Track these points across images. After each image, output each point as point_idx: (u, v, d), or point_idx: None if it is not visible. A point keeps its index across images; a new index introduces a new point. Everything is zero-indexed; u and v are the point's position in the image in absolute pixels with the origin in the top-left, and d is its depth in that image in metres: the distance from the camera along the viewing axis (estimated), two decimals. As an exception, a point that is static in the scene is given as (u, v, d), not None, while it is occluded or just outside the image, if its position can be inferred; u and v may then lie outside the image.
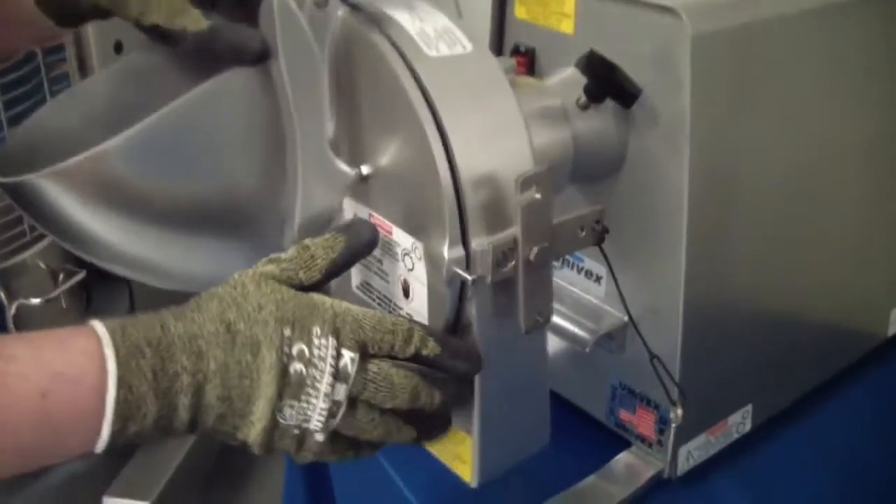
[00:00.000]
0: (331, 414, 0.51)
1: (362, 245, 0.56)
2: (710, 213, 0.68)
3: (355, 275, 0.65)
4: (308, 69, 0.57)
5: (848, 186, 0.78)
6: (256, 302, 0.51)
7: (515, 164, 0.56)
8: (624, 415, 0.78)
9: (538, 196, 0.54)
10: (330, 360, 0.51)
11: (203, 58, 0.56)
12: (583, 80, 0.65)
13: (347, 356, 0.51)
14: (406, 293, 0.60)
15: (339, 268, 0.55)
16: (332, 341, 0.51)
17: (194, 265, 0.60)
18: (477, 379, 0.58)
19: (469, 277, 0.54)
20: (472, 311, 0.56)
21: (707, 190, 0.67)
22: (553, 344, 0.74)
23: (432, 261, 0.56)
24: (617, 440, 0.78)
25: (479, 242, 0.54)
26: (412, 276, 0.59)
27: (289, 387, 0.50)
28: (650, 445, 0.76)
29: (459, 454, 0.63)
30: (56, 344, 0.48)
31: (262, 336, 0.50)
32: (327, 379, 0.51)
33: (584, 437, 0.80)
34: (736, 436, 0.79)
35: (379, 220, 0.60)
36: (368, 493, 0.82)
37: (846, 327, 0.86)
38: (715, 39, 0.64)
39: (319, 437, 0.52)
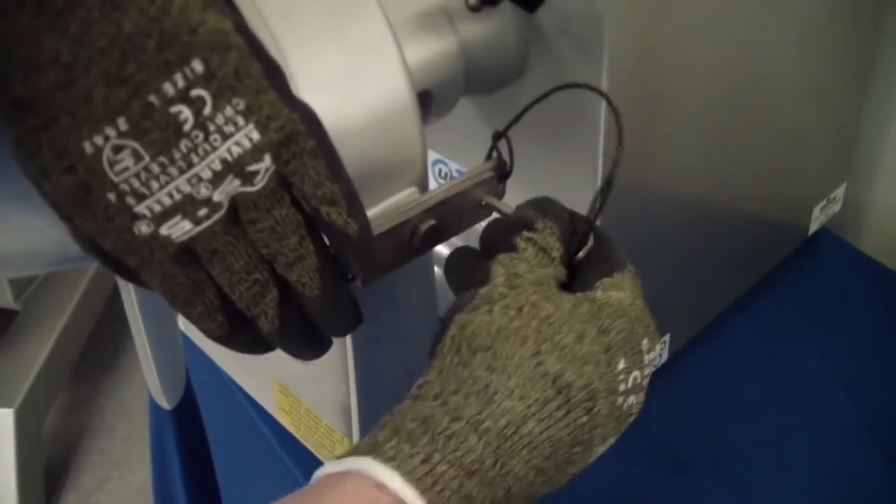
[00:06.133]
0: None
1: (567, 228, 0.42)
2: (630, 122, 0.55)
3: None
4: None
5: (781, 81, 0.67)
6: (575, 331, 0.37)
7: (389, 112, 0.42)
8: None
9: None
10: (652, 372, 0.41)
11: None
12: (473, -28, 0.51)
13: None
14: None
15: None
16: (657, 349, 0.41)
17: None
18: (352, 375, 0.47)
19: None
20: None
21: (628, 97, 0.54)
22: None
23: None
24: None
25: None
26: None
27: (618, 425, 0.39)
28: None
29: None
30: None
31: (598, 383, 0.37)
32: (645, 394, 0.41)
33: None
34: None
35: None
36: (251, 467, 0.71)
37: (770, 230, 0.77)
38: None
39: None
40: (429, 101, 0.52)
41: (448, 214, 0.44)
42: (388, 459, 0.33)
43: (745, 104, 0.65)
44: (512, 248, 0.41)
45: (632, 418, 0.40)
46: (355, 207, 0.37)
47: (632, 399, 0.39)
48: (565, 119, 0.55)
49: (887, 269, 0.83)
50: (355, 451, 0.34)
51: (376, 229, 0.41)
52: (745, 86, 0.64)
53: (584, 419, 0.36)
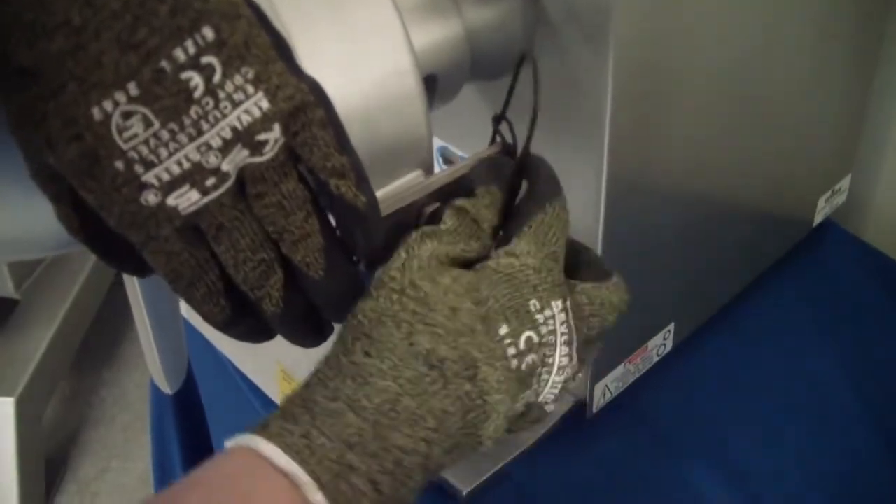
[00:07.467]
0: (565, 380, 0.41)
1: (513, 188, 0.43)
2: (637, 111, 0.56)
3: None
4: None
5: (787, 72, 0.67)
6: (448, 307, 0.37)
7: (395, 94, 0.42)
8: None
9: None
10: (561, 329, 0.40)
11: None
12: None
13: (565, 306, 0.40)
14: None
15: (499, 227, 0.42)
16: (557, 305, 0.40)
17: None
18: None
19: None
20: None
21: (633, 85, 0.54)
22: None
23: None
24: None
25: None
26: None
27: (521, 385, 0.39)
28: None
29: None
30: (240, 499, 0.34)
31: (476, 352, 0.37)
32: (560, 350, 0.40)
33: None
34: (656, 359, 0.70)
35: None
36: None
37: (775, 221, 0.77)
38: None
39: (550, 407, 0.43)
40: (434, 86, 0.51)
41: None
42: (272, 436, 0.35)
43: (750, 94, 0.65)
44: (439, 217, 0.41)
45: (545, 373, 0.40)
46: (363, 181, 0.37)
47: (531, 358, 0.39)
48: (569, 107, 0.55)
49: (892, 261, 0.82)
50: (247, 430, 0.37)
51: (381, 211, 0.41)
52: (751, 76, 0.64)
53: (468, 387, 0.37)
